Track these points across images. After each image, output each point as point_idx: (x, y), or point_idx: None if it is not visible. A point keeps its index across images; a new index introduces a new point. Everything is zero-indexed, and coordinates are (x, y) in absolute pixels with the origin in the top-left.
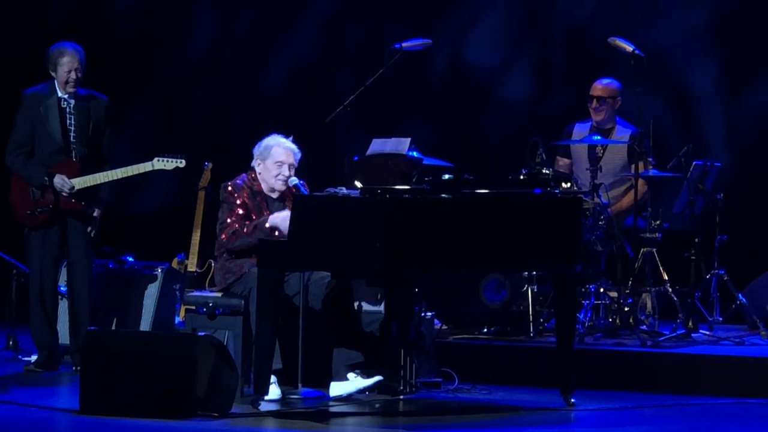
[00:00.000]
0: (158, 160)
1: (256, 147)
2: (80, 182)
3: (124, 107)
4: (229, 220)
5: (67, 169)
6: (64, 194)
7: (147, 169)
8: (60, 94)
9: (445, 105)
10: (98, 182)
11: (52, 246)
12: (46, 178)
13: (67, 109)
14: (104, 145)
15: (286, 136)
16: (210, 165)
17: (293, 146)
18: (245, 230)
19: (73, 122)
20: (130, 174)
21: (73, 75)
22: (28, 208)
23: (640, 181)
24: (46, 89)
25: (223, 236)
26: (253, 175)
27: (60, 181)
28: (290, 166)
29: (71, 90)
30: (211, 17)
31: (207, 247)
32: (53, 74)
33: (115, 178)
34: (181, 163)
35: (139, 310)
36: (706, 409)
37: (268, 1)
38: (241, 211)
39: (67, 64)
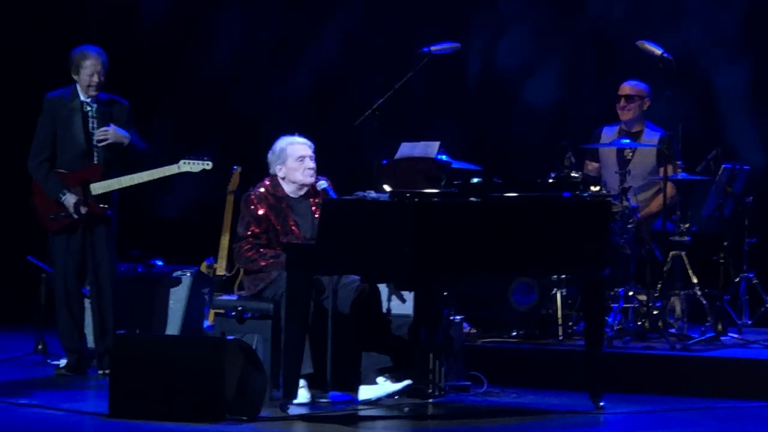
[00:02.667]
0: (184, 163)
1: (270, 154)
2: (104, 186)
3: (152, 111)
4: (246, 233)
5: (91, 173)
6: (75, 217)
7: (173, 172)
8: (82, 98)
9: (474, 108)
10: (122, 186)
11: (76, 250)
12: (62, 195)
13: (90, 113)
14: (127, 148)
15: (292, 134)
16: (239, 169)
17: (304, 139)
18: (262, 262)
19: (95, 126)
20: (154, 177)
21: (95, 78)
22: (52, 212)
23: (669, 185)
24: (68, 93)
25: (241, 253)
26: (273, 182)
27: (74, 204)
28: (311, 157)
29: (93, 93)
30: (238, 21)
31: (233, 254)
32: (75, 77)
33: (140, 181)
34: (208, 165)
35: (168, 314)
36: (735, 413)
37: (296, 4)
38: (256, 229)
39: (89, 67)
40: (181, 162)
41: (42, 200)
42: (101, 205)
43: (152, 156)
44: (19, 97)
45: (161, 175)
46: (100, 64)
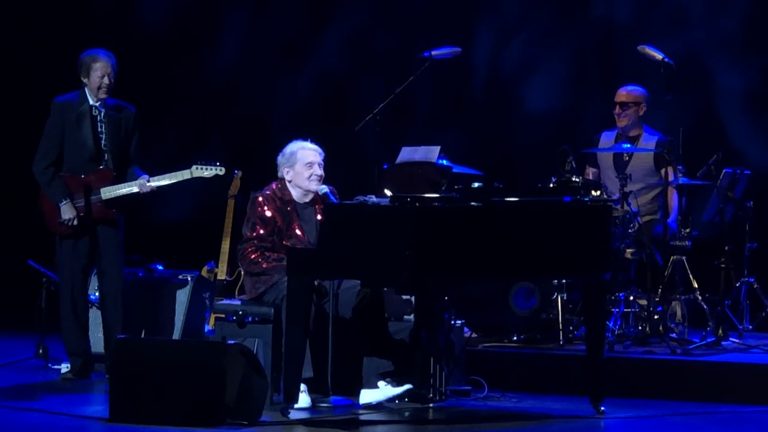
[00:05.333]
0: (196, 168)
1: (280, 156)
2: (113, 190)
3: (154, 116)
4: (252, 234)
5: (102, 177)
6: (69, 224)
7: (185, 177)
8: (91, 102)
9: (475, 113)
10: (133, 191)
11: (83, 254)
12: (61, 203)
13: (98, 117)
14: (132, 154)
15: (304, 140)
16: (240, 173)
17: (316, 146)
18: (264, 264)
19: (104, 130)
20: (167, 182)
21: (106, 80)
22: (60, 216)
23: (670, 188)
24: (77, 97)
25: (245, 255)
26: (281, 185)
27: (69, 215)
28: (319, 165)
29: (103, 96)
30: (240, 26)
31: (236, 256)
32: (85, 81)
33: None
34: (221, 171)
35: (169, 318)
36: (736, 417)
37: (297, 10)
38: (261, 231)
39: (100, 69)
40: (194, 167)
41: (50, 205)
42: (111, 210)
43: (156, 161)
44: (13, 100)
45: (173, 180)
46: (110, 66)
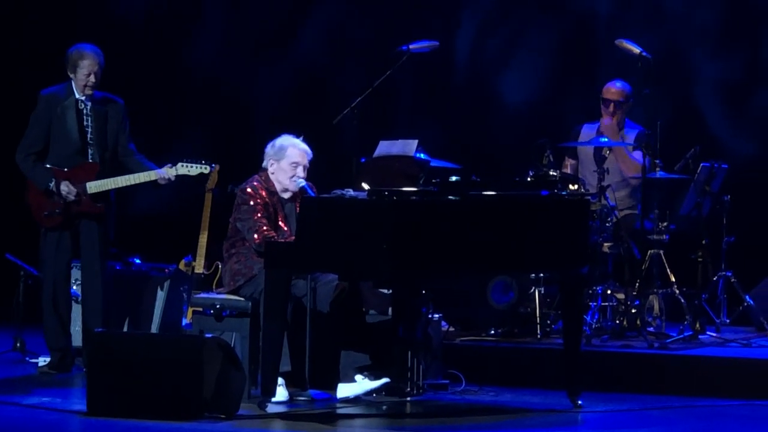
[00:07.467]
0: (182, 165)
1: (269, 147)
2: (100, 185)
3: (131, 109)
4: (256, 218)
5: (87, 171)
6: (70, 199)
7: (170, 174)
8: (77, 96)
9: (453, 107)
10: (118, 186)
11: (67, 248)
12: (51, 184)
13: (84, 111)
14: (120, 147)
15: (297, 136)
16: (217, 167)
17: (306, 147)
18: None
19: (90, 124)
20: (151, 178)
21: (92, 78)
22: (46, 209)
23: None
24: (63, 90)
25: (257, 237)
26: (264, 176)
27: (66, 188)
28: (304, 167)
29: (89, 92)
30: (218, 19)
31: (214, 249)
32: (72, 76)
33: (137, 182)
34: (206, 169)
35: (147, 311)
36: (714, 411)
37: (277, 2)
38: (262, 213)
39: (86, 67)
40: (179, 164)
41: (36, 196)
42: (97, 204)
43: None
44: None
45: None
46: (98, 64)
